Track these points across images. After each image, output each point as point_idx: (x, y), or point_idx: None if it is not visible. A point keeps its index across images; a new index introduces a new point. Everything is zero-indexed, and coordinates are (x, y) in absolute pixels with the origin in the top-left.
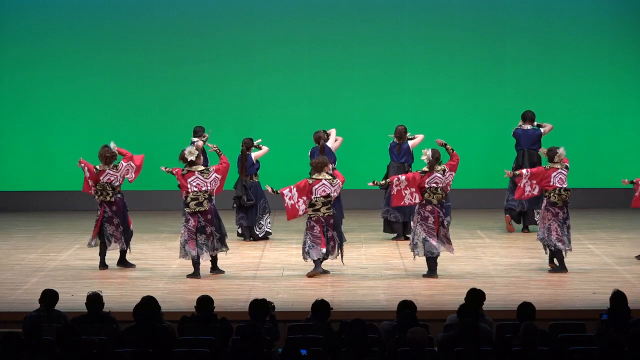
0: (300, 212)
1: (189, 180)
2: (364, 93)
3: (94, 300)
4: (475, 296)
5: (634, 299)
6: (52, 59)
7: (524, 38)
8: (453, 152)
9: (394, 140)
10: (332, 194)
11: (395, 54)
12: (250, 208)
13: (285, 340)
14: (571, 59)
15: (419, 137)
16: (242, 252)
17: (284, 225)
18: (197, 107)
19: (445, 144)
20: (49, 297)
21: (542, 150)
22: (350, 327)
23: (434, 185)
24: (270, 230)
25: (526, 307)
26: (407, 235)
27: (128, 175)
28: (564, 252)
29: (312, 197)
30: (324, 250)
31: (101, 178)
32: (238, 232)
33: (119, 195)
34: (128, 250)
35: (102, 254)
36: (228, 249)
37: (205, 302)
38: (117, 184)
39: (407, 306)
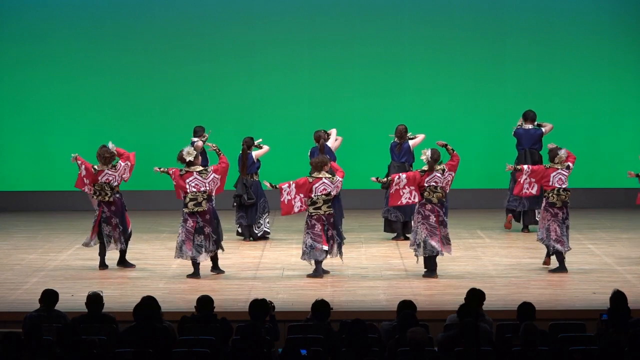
0: (295, 210)
1: (188, 180)
2: (364, 93)
3: (94, 300)
4: (475, 296)
5: (634, 299)
6: (52, 59)
7: (524, 38)
8: (454, 152)
9: (395, 139)
10: (333, 192)
11: (395, 54)
12: (250, 207)
13: (285, 340)
14: (571, 59)
15: (420, 137)
16: (242, 252)
17: (284, 225)
18: (197, 107)
19: (446, 145)
20: (49, 297)
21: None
22: (350, 327)
23: (434, 184)
24: (268, 230)
25: (526, 307)
26: (407, 235)
27: (125, 175)
28: (563, 253)
29: (313, 195)
30: (326, 247)
31: (99, 178)
32: (238, 231)
33: (117, 196)
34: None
35: (102, 254)
36: (223, 250)
37: (205, 302)
38: (116, 184)
39: (407, 306)
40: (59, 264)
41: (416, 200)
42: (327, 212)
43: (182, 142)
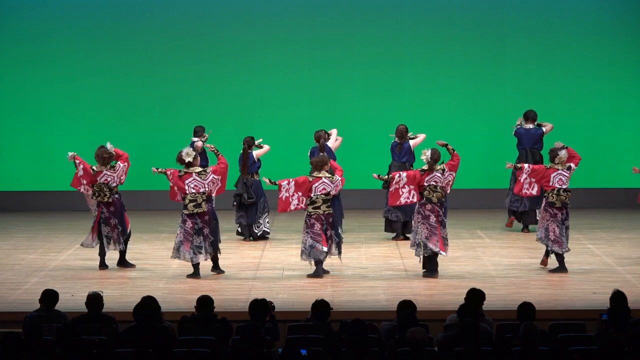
0: (292, 207)
1: (187, 181)
2: (364, 93)
3: (94, 300)
4: (475, 296)
5: (634, 299)
6: (52, 59)
7: (524, 38)
8: (454, 152)
9: (395, 139)
10: (332, 192)
11: (395, 54)
12: (250, 206)
13: (285, 340)
14: (571, 59)
15: (421, 137)
16: (242, 252)
17: (284, 225)
18: (197, 107)
19: (446, 145)
20: (49, 297)
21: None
22: (350, 327)
23: (433, 183)
24: (268, 230)
25: (526, 307)
26: (407, 235)
27: (122, 177)
28: (561, 254)
29: (312, 195)
30: (325, 248)
31: (98, 179)
32: (238, 230)
33: (116, 196)
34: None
35: (102, 254)
36: (220, 253)
37: (205, 302)
38: (114, 184)
39: (407, 306)
40: (59, 264)
41: (415, 200)
42: (326, 212)
43: (182, 142)
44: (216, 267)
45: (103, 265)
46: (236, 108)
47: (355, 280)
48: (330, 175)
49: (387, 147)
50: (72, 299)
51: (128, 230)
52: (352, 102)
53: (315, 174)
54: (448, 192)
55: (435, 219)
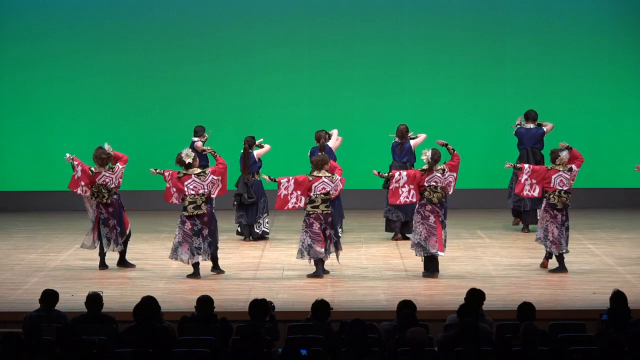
0: (290, 205)
1: (186, 183)
2: (364, 93)
3: (94, 300)
4: (475, 296)
5: (634, 299)
6: (52, 59)
7: (524, 38)
8: (454, 152)
9: (396, 139)
10: (332, 192)
11: (395, 54)
12: (251, 206)
13: (285, 340)
14: (571, 59)
15: (421, 137)
16: (242, 252)
17: (284, 225)
18: (197, 107)
19: (447, 144)
20: (49, 297)
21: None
22: (350, 327)
23: (434, 184)
24: (267, 230)
25: (526, 307)
26: (407, 235)
27: (120, 179)
28: (561, 254)
29: (312, 194)
30: (323, 250)
31: (97, 180)
32: (237, 230)
33: (115, 197)
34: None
35: (102, 254)
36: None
37: (205, 302)
38: (113, 185)
39: (407, 306)
40: (59, 264)
41: (414, 199)
42: (324, 212)
43: (182, 142)
44: (216, 267)
45: (103, 266)
46: (236, 108)
47: (355, 280)
48: (330, 175)
49: (387, 147)
50: (72, 299)
51: (127, 231)
52: (352, 102)
53: (315, 173)
54: (450, 192)
55: (435, 219)
